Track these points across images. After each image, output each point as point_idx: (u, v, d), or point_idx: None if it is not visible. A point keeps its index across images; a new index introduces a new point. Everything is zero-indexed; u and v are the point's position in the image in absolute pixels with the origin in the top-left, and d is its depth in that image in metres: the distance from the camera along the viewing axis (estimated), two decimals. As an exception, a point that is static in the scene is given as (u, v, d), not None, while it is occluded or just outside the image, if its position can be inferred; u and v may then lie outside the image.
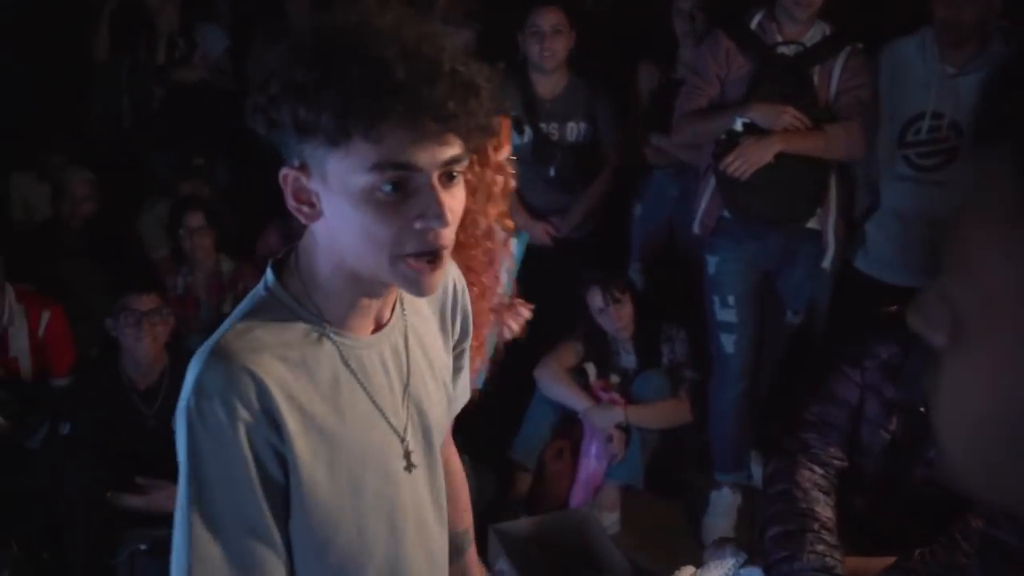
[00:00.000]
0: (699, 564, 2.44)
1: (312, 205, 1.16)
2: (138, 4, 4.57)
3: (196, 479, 1.16)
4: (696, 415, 3.58)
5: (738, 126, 3.11)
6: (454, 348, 1.47)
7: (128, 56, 4.60)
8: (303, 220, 1.18)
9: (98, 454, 3.15)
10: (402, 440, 1.29)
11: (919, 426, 2.36)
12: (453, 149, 1.12)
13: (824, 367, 2.52)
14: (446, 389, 1.41)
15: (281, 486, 1.18)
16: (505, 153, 2.18)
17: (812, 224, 3.27)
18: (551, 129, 3.68)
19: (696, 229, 3.32)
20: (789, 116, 3.07)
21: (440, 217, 1.11)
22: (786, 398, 3.75)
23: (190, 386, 1.16)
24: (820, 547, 2.25)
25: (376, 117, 1.06)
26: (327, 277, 1.21)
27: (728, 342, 3.35)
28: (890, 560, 2.27)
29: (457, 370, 1.49)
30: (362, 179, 1.10)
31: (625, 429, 3.48)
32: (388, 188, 1.10)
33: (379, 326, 1.28)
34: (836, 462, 2.41)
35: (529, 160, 3.58)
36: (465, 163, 1.15)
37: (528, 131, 3.66)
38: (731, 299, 3.31)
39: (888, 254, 3.37)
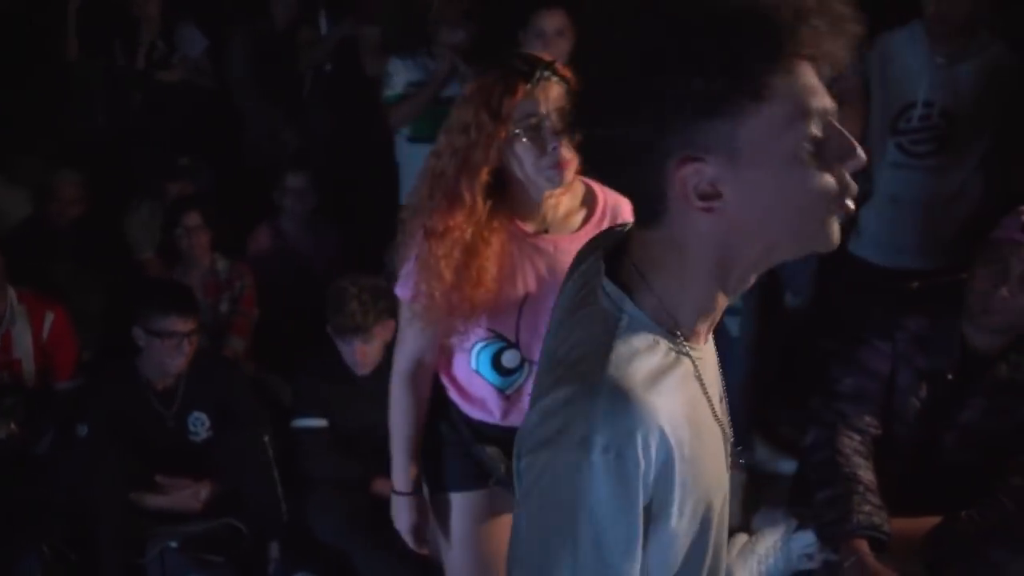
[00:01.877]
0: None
1: (719, 196, 0.99)
2: (107, 2, 4.53)
3: (554, 538, 0.99)
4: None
5: (744, 114, 3.21)
6: None
7: (104, 57, 4.55)
8: (706, 216, 1.00)
9: (118, 455, 3.13)
10: (728, 442, 1.17)
11: (949, 393, 2.50)
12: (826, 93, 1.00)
13: (850, 341, 2.65)
14: None
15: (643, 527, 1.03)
16: None
17: (811, 209, 3.39)
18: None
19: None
20: None
21: (856, 153, 1.00)
22: (788, 379, 3.91)
23: (584, 431, 0.96)
24: (867, 507, 2.38)
25: (799, 47, 0.95)
26: (697, 283, 1.05)
27: (733, 325, 3.46)
28: (934, 520, 2.40)
29: None
30: (787, 137, 0.97)
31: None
32: (811, 143, 0.98)
33: (711, 332, 1.14)
34: (872, 430, 2.54)
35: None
36: None
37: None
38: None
39: (882, 238, 3.52)
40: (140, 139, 4.50)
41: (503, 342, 2.00)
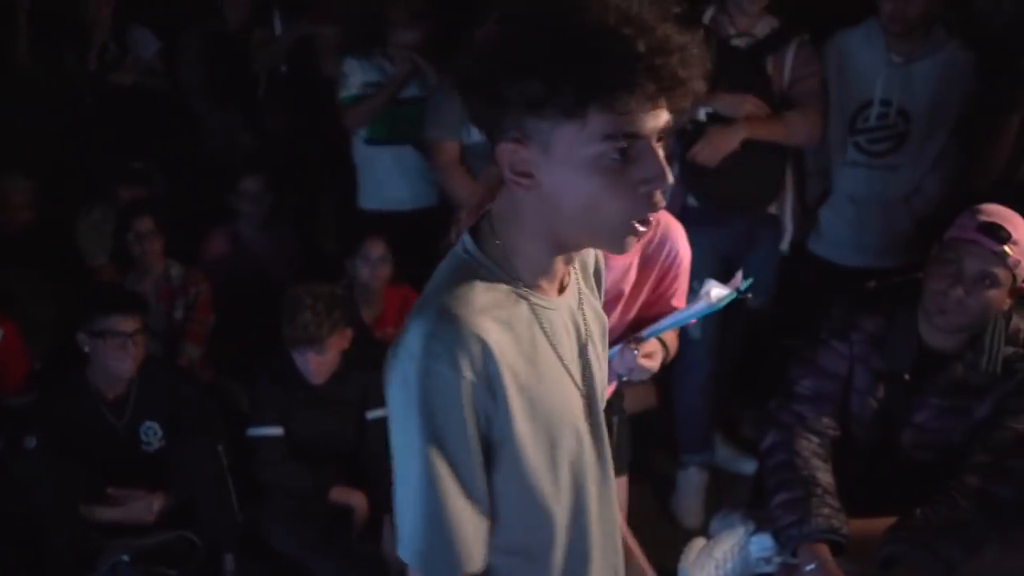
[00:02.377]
0: (705, 534, 2.53)
1: (530, 176, 1.19)
2: (55, 3, 4.44)
3: (430, 428, 1.18)
4: (661, 399, 3.68)
5: (702, 116, 3.22)
6: None
7: (55, 59, 4.46)
8: (520, 191, 1.21)
9: (68, 467, 3.06)
10: (584, 398, 1.33)
11: (905, 393, 2.50)
12: (666, 115, 1.17)
13: (808, 342, 2.64)
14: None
15: (486, 443, 1.23)
16: None
17: (772, 209, 3.39)
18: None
19: (661, 217, 3.40)
20: (751, 104, 3.19)
21: (665, 178, 1.17)
22: (749, 379, 3.91)
23: (417, 346, 1.17)
24: (826, 510, 2.36)
25: (618, 89, 1.10)
26: (529, 241, 1.25)
27: (694, 326, 3.45)
28: (890, 521, 2.40)
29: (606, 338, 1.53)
30: (592, 149, 1.14)
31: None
32: (616, 156, 1.15)
33: (561, 289, 1.33)
34: (830, 431, 2.53)
35: (487, 157, 3.60)
36: (670, 127, 1.19)
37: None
38: (696, 284, 3.40)
39: (842, 237, 3.53)
40: (92, 143, 4.41)
41: None
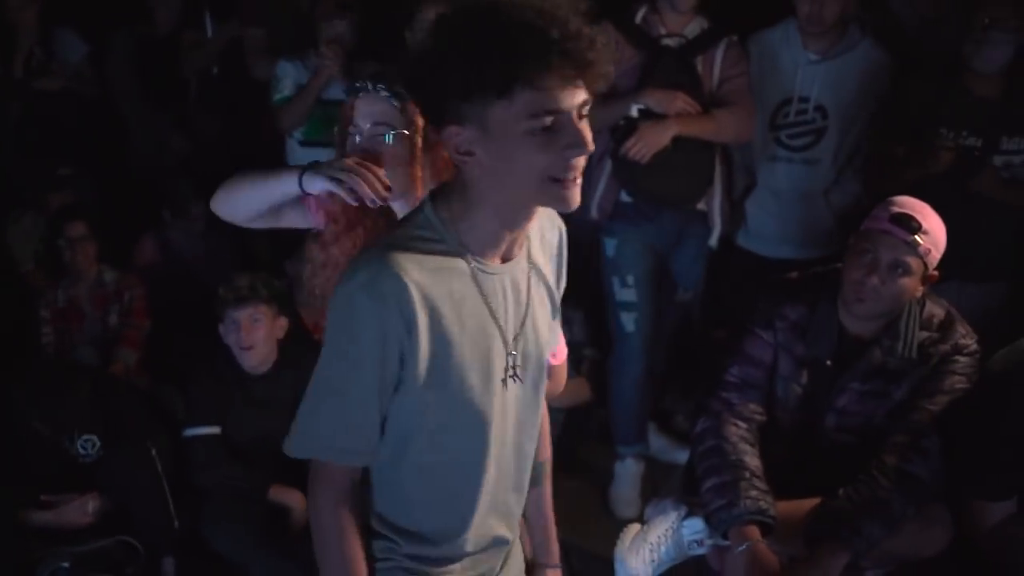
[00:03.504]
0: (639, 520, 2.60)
1: (472, 154, 1.39)
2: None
3: (344, 344, 1.42)
4: (596, 392, 3.75)
5: (634, 112, 3.29)
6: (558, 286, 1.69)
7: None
8: (464, 166, 1.41)
9: (2, 478, 3.04)
10: (509, 354, 1.52)
11: (827, 379, 2.60)
12: (584, 93, 1.37)
13: (735, 332, 2.72)
14: (552, 329, 1.63)
15: (394, 373, 1.43)
16: None
17: (700, 205, 3.49)
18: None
19: (594, 213, 3.47)
20: (681, 101, 3.27)
21: (584, 144, 1.37)
22: (680, 371, 4.00)
23: (349, 277, 1.40)
24: (754, 493, 2.45)
25: (539, 71, 1.31)
26: (474, 210, 1.44)
27: (629, 321, 3.53)
28: (815, 501, 2.49)
29: (556, 312, 1.68)
30: (522, 125, 1.34)
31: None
32: (543, 128, 1.34)
33: (506, 260, 1.50)
34: (757, 417, 2.62)
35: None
36: (590, 104, 1.39)
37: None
38: (631, 279, 3.49)
39: (767, 230, 3.64)
40: (19, 149, 4.35)
41: None
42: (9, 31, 4.33)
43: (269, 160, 4.26)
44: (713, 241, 3.55)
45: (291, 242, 3.88)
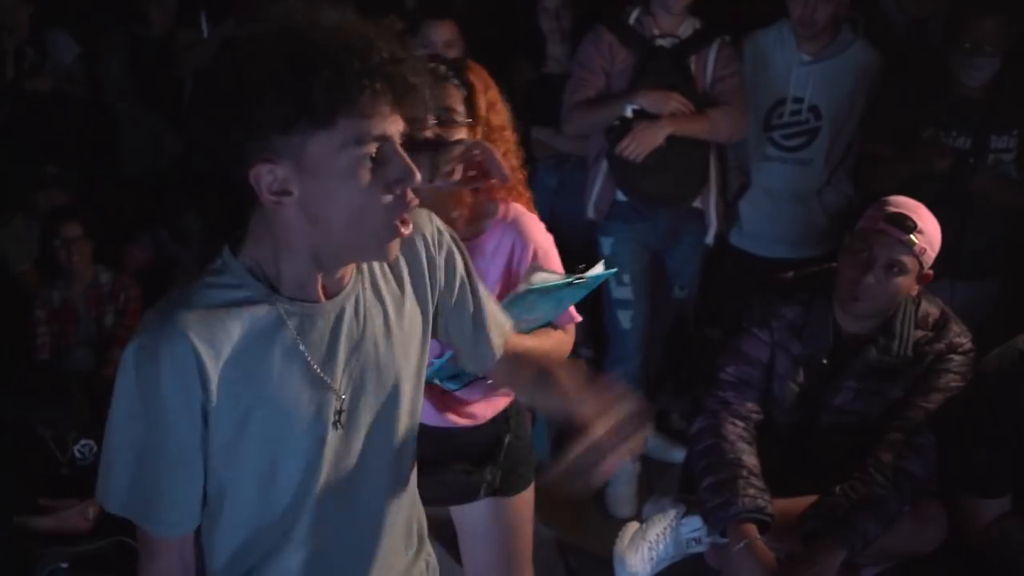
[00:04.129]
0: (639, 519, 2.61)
1: (288, 192, 1.25)
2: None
3: (129, 406, 1.29)
4: (591, 391, 3.75)
5: (628, 113, 3.31)
6: (451, 294, 1.55)
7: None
8: (277, 208, 1.27)
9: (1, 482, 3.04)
10: (339, 399, 1.38)
11: (823, 377, 2.62)
12: (402, 122, 1.28)
13: (731, 331, 2.75)
14: (418, 346, 1.49)
15: (196, 429, 1.30)
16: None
17: (696, 204, 3.51)
18: (438, 129, 3.76)
19: (591, 214, 3.50)
20: (675, 101, 3.30)
21: (412, 175, 1.27)
22: (677, 371, 4.02)
23: (135, 337, 1.29)
24: (751, 491, 2.47)
25: (362, 96, 1.21)
26: (286, 253, 1.31)
27: (625, 318, 3.55)
28: (812, 499, 2.51)
29: (474, 306, 1.58)
30: (346, 154, 1.23)
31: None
32: (369, 160, 1.25)
33: (333, 293, 1.37)
34: (754, 416, 2.64)
35: (418, 163, 3.64)
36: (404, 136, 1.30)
37: (418, 135, 3.73)
38: (626, 277, 3.51)
39: (759, 229, 3.67)
40: (10, 151, 4.34)
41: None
42: (1, 31, 4.32)
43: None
44: (709, 239, 3.58)
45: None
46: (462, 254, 1.56)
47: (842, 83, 3.47)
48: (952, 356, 2.56)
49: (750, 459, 2.54)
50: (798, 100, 3.51)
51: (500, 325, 1.63)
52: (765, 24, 3.56)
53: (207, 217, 4.20)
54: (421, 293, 1.50)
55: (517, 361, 1.64)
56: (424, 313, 1.50)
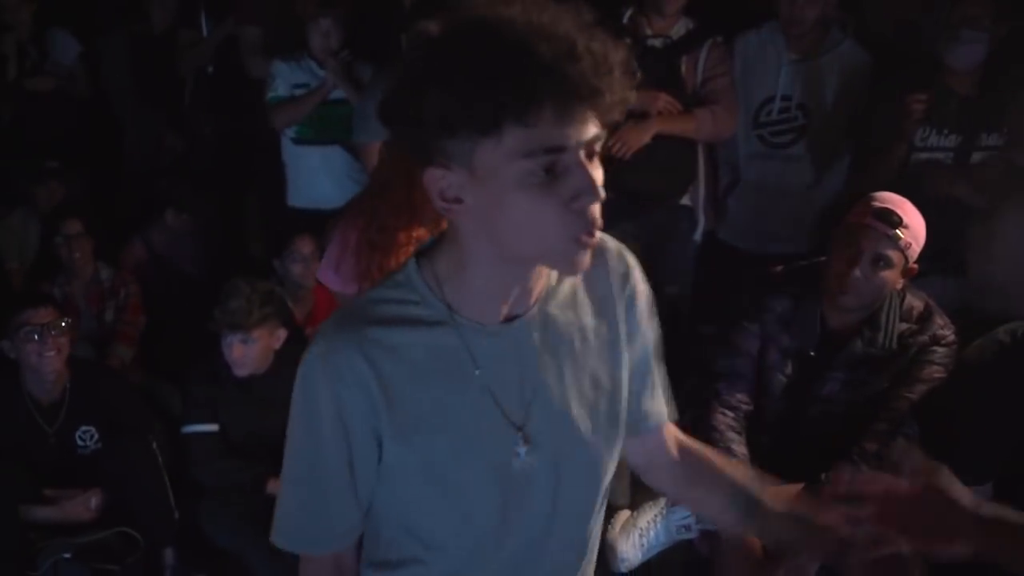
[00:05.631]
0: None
1: (459, 201, 1.15)
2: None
3: (304, 423, 1.26)
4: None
5: (615, 111, 3.37)
6: (632, 343, 1.38)
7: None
8: (451, 216, 1.18)
9: (3, 470, 3.08)
10: (518, 429, 1.27)
11: (811, 369, 2.68)
12: (595, 127, 1.13)
13: (722, 324, 2.81)
14: (610, 387, 1.34)
15: (368, 455, 1.25)
16: None
17: (685, 200, 3.57)
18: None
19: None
20: (663, 101, 3.37)
21: (595, 192, 1.12)
22: (670, 366, 4.06)
23: (310, 348, 1.24)
24: (740, 480, 2.52)
25: (527, 100, 1.07)
26: (466, 268, 1.22)
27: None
28: (799, 486, 2.57)
29: (641, 374, 1.41)
30: (514, 167, 1.10)
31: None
32: (541, 173, 1.10)
33: (513, 316, 1.26)
34: (744, 406, 2.70)
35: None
36: (602, 140, 1.15)
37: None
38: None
39: (748, 225, 3.74)
40: (10, 149, 4.39)
41: None
42: (3, 31, 4.36)
43: (263, 159, 4.33)
44: (698, 235, 3.64)
45: (280, 240, 3.95)
46: (646, 297, 1.42)
47: (831, 82, 3.54)
48: (936, 348, 2.62)
49: (740, 448, 2.60)
50: (786, 98, 3.58)
51: (665, 393, 1.48)
52: (758, 24, 3.63)
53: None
54: (613, 333, 1.35)
55: (695, 465, 1.51)
56: (615, 352, 1.35)
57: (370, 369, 1.20)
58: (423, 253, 1.28)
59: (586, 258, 1.16)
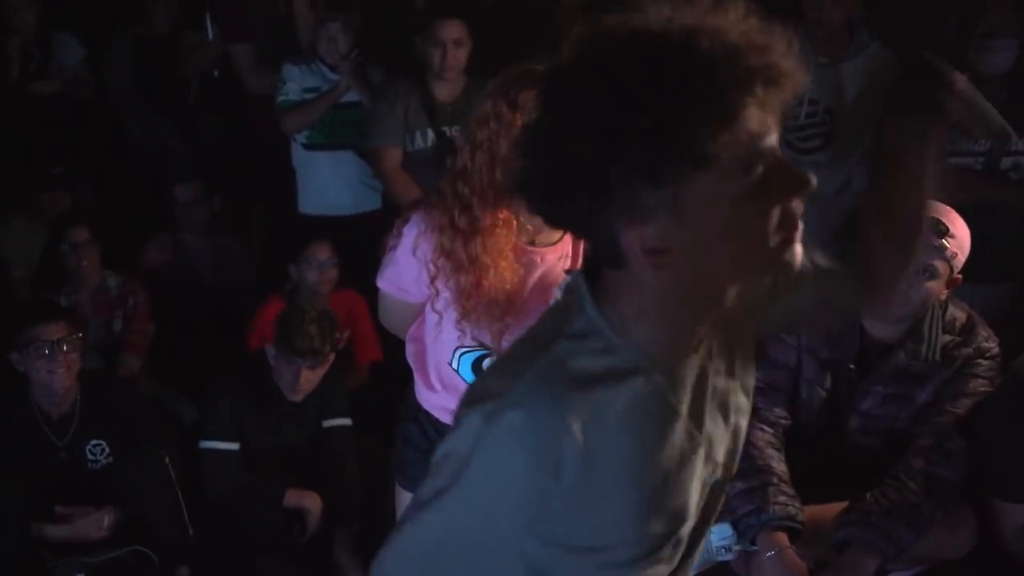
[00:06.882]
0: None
1: (666, 251, 1.00)
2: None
3: (452, 493, 1.07)
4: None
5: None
6: None
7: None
8: (656, 269, 1.01)
9: (14, 487, 2.99)
10: (710, 463, 1.18)
11: (850, 382, 2.61)
12: (776, 123, 1.00)
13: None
14: (748, 405, 1.26)
15: (528, 523, 1.08)
16: None
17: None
18: (452, 132, 3.72)
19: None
20: None
21: (806, 182, 1.01)
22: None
23: (495, 408, 1.03)
24: (782, 498, 2.45)
25: (743, 117, 0.95)
26: (660, 314, 1.07)
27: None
28: (842, 505, 2.50)
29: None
30: (733, 188, 0.97)
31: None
32: (757, 183, 0.98)
33: (695, 347, 1.14)
34: (782, 421, 2.63)
35: (431, 163, 3.63)
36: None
37: (430, 134, 3.71)
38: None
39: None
40: (14, 153, 4.30)
41: (485, 350, 2.01)
42: (7, 33, 4.28)
43: (269, 162, 4.25)
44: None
45: (289, 247, 3.86)
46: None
47: (858, 85, 3.47)
48: (980, 361, 2.55)
49: (779, 466, 2.52)
50: (813, 102, 3.49)
51: None
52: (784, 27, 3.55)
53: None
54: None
55: None
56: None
57: (574, 444, 1.03)
58: (590, 290, 1.10)
59: (798, 252, 1.04)
